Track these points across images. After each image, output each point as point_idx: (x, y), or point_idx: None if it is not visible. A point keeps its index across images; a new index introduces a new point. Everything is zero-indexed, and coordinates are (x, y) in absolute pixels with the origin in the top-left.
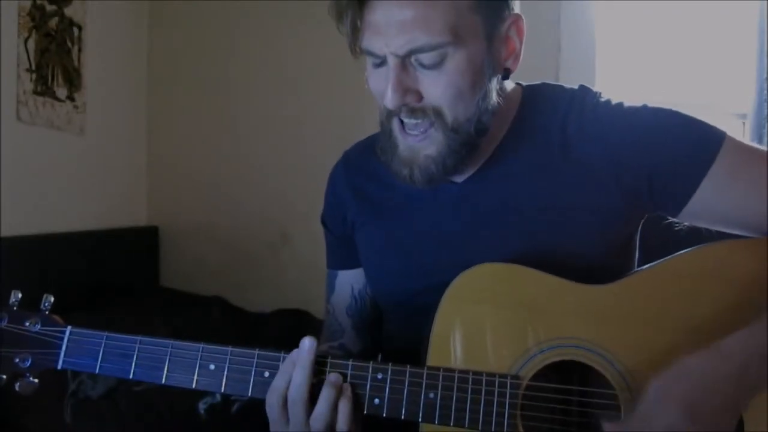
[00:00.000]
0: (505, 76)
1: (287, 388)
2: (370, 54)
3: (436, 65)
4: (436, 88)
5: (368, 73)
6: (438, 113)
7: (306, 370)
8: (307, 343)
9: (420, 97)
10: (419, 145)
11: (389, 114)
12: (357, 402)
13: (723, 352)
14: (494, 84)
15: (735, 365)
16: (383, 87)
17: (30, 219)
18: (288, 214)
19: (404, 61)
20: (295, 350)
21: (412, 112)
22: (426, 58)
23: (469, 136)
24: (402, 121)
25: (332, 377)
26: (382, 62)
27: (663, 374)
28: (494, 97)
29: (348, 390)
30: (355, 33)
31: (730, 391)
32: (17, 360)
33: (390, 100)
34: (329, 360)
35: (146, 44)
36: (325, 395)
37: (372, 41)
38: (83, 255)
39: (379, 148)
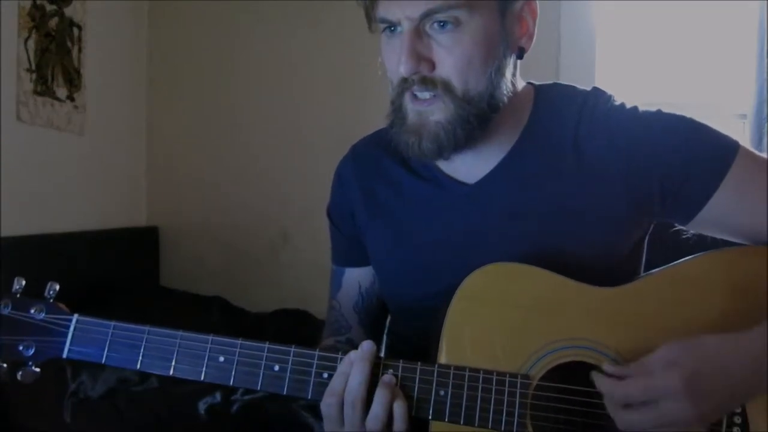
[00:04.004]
0: (520, 56)
1: (345, 389)
2: (385, 22)
3: (451, 30)
4: (450, 56)
5: (382, 50)
6: (447, 86)
7: (363, 373)
8: (367, 345)
9: (433, 66)
10: (428, 110)
11: (401, 88)
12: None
13: (741, 341)
14: (509, 61)
15: (749, 355)
16: (397, 56)
17: (30, 219)
18: (288, 214)
19: (418, 27)
20: (353, 351)
21: (423, 82)
22: (440, 18)
23: (482, 109)
24: (414, 95)
25: (386, 378)
26: (396, 30)
27: (677, 342)
28: (509, 76)
29: (401, 391)
30: (372, 3)
31: (735, 378)
32: (21, 348)
33: (404, 65)
34: (382, 361)
35: (146, 44)
36: (380, 397)
37: (388, 9)
38: (83, 255)
39: (390, 123)
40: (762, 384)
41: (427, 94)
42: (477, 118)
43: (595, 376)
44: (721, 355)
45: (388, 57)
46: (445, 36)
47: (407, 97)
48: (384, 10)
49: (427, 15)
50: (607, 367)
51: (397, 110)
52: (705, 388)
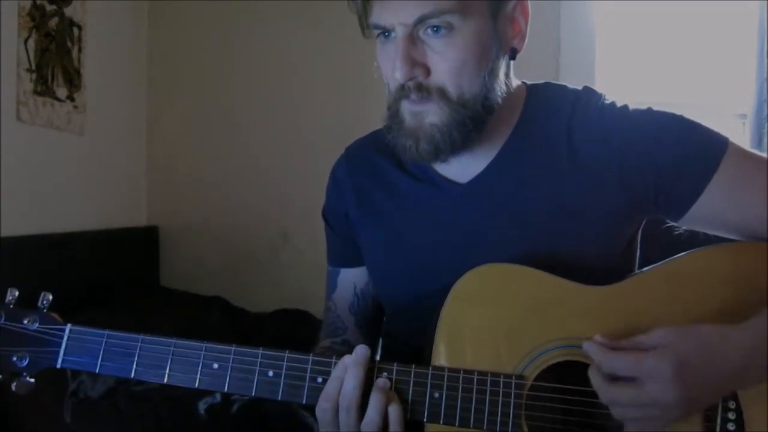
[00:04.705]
0: (513, 56)
1: (339, 394)
2: (379, 27)
3: (444, 35)
4: (444, 61)
5: (378, 55)
6: (442, 93)
7: (358, 378)
8: (361, 350)
9: (428, 72)
10: (423, 110)
11: (398, 95)
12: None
13: (734, 333)
14: (502, 62)
15: (741, 347)
16: (392, 62)
17: (30, 219)
18: (288, 214)
19: (412, 33)
20: (347, 355)
21: (419, 90)
22: (434, 24)
23: (477, 111)
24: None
25: (380, 382)
26: (390, 36)
27: (674, 326)
28: (502, 77)
29: (395, 395)
30: (365, 9)
31: (725, 369)
32: (14, 359)
33: (400, 71)
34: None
35: (146, 44)
36: (375, 401)
37: (381, 14)
38: (83, 255)
39: (387, 128)
40: (752, 376)
41: (423, 100)
42: (473, 121)
43: (586, 344)
44: (714, 345)
45: (383, 62)
46: (439, 41)
47: (404, 101)
48: (377, 16)
49: (420, 21)
50: (598, 336)
51: (394, 115)
52: (694, 375)
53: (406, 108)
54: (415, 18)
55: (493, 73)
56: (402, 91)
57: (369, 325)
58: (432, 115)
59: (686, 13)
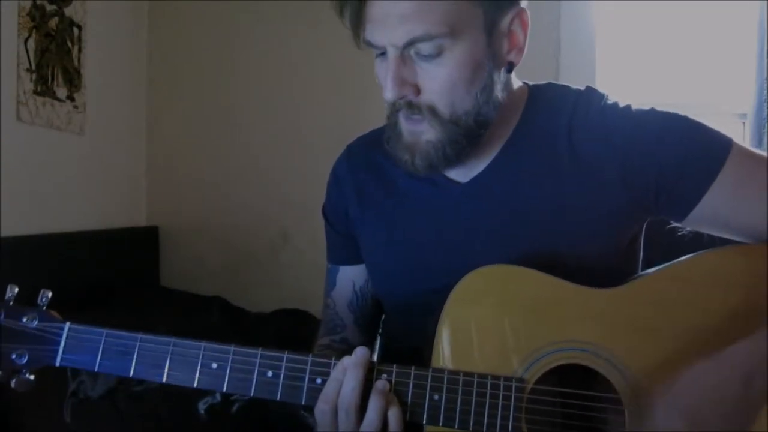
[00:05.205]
0: (509, 69)
1: (338, 395)
2: (371, 46)
3: (434, 57)
4: (434, 81)
5: (376, 66)
6: (433, 111)
7: (357, 379)
8: (360, 351)
9: (418, 90)
10: (419, 129)
11: (393, 109)
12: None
13: (727, 362)
14: (497, 77)
15: (740, 374)
16: (384, 79)
17: (30, 219)
18: (288, 214)
19: (403, 53)
20: (347, 357)
21: (410, 107)
22: (424, 48)
23: (470, 128)
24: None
25: (379, 385)
26: (383, 53)
27: (670, 388)
28: (497, 91)
29: (395, 397)
30: (357, 27)
31: (734, 400)
32: (14, 356)
33: (389, 91)
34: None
35: (146, 44)
36: (374, 404)
37: (373, 34)
38: (83, 255)
39: (386, 138)
40: (763, 392)
41: (416, 117)
42: (465, 138)
43: None
44: (713, 384)
45: (380, 76)
46: (429, 63)
47: (401, 116)
48: (370, 35)
49: (410, 43)
50: None
51: (393, 127)
52: (710, 421)
53: (404, 125)
54: (405, 41)
55: (486, 90)
56: (395, 107)
57: (368, 323)
58: (427, 133)
59: (686, 14)
